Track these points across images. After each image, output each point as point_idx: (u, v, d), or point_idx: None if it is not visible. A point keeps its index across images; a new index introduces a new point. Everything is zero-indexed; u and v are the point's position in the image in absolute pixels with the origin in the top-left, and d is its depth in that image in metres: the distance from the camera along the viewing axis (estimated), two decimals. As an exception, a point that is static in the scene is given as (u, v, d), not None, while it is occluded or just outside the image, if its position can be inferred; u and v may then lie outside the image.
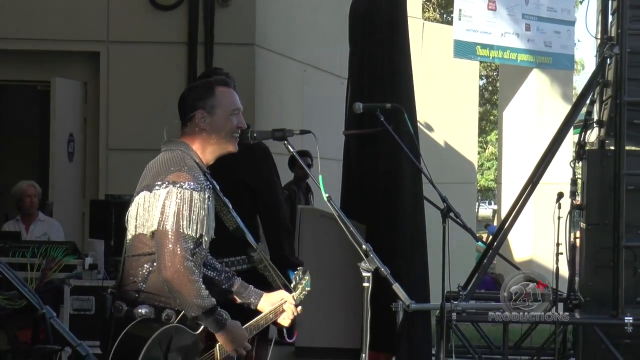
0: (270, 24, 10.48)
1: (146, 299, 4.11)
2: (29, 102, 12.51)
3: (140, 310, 4.08)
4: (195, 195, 4.06)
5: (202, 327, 4.12)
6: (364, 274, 4.21)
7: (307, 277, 4.55)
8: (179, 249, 4.00)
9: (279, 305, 4.46)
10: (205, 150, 4.25)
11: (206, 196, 4.12)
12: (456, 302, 7.22)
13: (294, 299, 4.49)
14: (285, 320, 4.49)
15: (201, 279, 4.14)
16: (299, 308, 4.49)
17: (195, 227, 4.06)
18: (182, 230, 4.02)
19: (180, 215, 4.03)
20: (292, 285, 4.57)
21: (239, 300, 4.52)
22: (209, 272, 4.46)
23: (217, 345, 4.19)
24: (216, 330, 4.12)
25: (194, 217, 4.05)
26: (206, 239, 4.19)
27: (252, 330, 4.35)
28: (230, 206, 4.69)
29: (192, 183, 4.07)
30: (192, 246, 4.07)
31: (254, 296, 4.50)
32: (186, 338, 4.10)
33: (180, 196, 4.04)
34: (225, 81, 4.36)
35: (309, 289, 4.54)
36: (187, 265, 4.01)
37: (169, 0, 9.89)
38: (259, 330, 4.44)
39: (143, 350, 3.90)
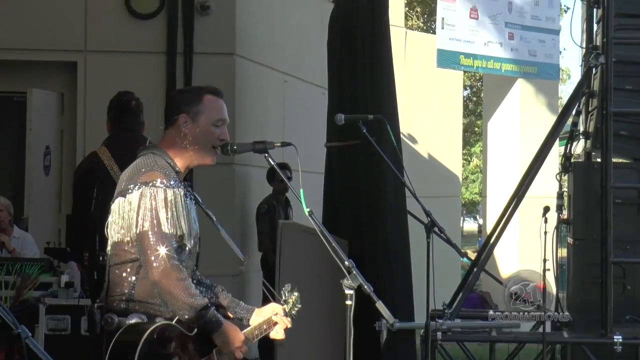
0: (251, 34, 10.39)
1: (137, 308, 4.04)
2: (4, 113, 12.32)
3: (131, 321, 4.00)
4: (169, 192, 4.02)
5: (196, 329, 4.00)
6: (347, 291, 4.10)
7: (296, 293, 4.49)
8: (162, 249, 3.95)
9: (271, 316, 4.38)
10: (182, 157, 4.19)
11: (181, 193, 4.06)
12: (441, 321, 7.15)
13: (285, 311, 4.42)
14: (279, 333, 4.41)
15: (190, 278, 4.07)
16: (289, 319, 4.40)
17: (174, 225, 4.01)
18: (161, 229, 3.97)
19: (157, 214, 3.98)
20: (282, 300, 4.49)
21: (231, 315, 4.42)
22: (198, 288, 4.32)
23: (214, 351, 4.10)
24: (212, 331, 4.03)
25: (170, 214, 4.01)
26: (188, 240, 4.10)
27: (248, 340, 4.26)
28: (215, 218, 4.60)
29: (164, 180, 4.02)
30: (175, 245, 4.01)
31: (244, 311, 4.43)
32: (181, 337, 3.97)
33: (154, 195, 4.00)
34: (215, 90, 4.31)
35: (300, 306, 4.49)
36: (174, 263, 3.96)
37: (147, 8, 9.78)
38: (255, 340, 4.37)
39: (137, 350, 3.79)
